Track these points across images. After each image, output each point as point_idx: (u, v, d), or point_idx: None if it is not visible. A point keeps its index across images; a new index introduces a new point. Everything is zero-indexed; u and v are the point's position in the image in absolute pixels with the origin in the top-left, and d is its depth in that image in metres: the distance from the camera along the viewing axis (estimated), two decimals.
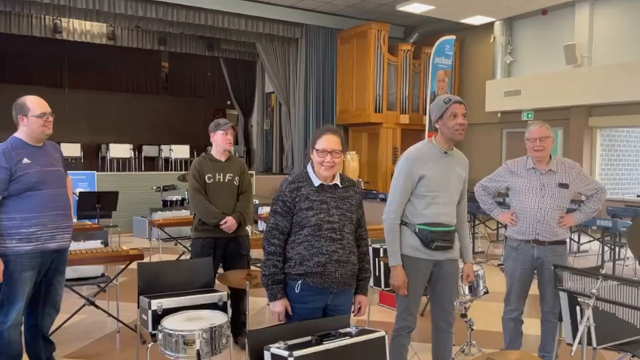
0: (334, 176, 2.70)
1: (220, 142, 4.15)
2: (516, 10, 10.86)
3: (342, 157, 2.66)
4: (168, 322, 2.92)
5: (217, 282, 3.72)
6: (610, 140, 11.09)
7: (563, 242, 3.57)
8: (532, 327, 4.09)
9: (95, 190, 9.31)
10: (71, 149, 12.82)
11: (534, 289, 3.66)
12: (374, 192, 10.54)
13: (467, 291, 3.95)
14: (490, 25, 11.83)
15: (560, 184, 3.52)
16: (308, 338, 2.26)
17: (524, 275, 3.59)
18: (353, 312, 2.79)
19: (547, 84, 10.58)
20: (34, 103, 3.29)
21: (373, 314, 4.76)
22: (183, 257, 6.19)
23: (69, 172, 3.66)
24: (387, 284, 4.45)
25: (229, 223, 4.04)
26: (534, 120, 3.64)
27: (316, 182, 2.65)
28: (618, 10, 10.05)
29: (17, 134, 3.32)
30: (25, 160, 3.22)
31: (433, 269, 3.04)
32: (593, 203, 3.63)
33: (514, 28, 11.85)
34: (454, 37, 11.22)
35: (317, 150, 2.63)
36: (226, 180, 4.14)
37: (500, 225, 9.07)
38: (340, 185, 2.71)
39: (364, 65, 12.38)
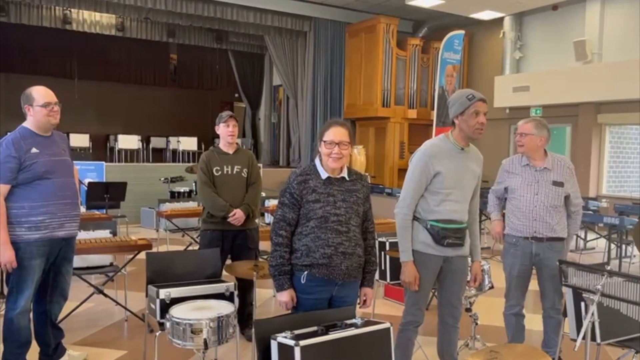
0: (341, 169, 2.72)
1: (223, 134, 4.19)
2: (526, 5, 10.80)
3: (349, 149, 2.68)
4: (176, 311, 2.96)
5: (224, 273, 3.75)
6: (619, 137, 11.03)
7: (561, 239, 3.55)
8: (535, 322, 4.10)
9: (104, 180, 9.37)
10: (80, 140, 12.90)
11: (536, 285, 3.67)
12: (381, 186, 10.55)
13: (475, 287, 3.96)
14: (499, 21, 11.77)
15: (555, 182, 3.49)
16: (314, 328, 2.28)
17: (523, 271, 3.59)
18: (359, 304, 2.82)
19: (556, 80, 10.54)
20: (39, 93, 3.32)
21: (378, 307, 4.79)
22: (190, 248, 6.23)
23: (76, 162, 3.69)
24: (392, 278, 4.46)
25: (237, 215, 4.06)
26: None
27: (323, 175, 2.68)
28: (629, 7, 9.98)
29: (25, 124, 3.35)
30: (34, 150, 3.25)
31: (442, 265, 3.03)
32: (575, 224, 3.63)
33: (523, 23, 11.79)
34: (463, 32, 11.18)
35: (325, 142, 2.65)
36: (234, 172, 4.17)
37: None
38: (347, 178, 2.72)
39: (372, 59, 12.36)
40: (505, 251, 3.69)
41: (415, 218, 3.01)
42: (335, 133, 2.64)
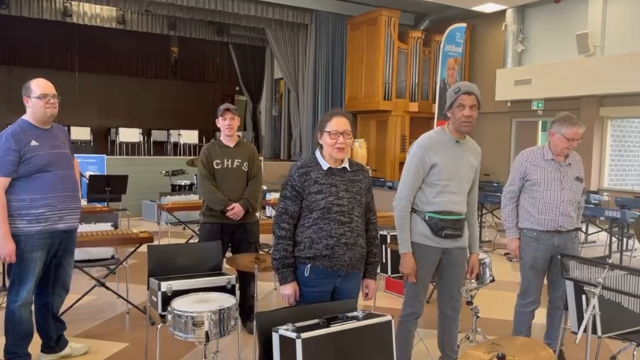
0: (342, 160, 2.71)
1: (222, 127, 4.20)
2: None
3: (352, 139, 2.68)
4: (178, 304, 2.96)
5: (226, 265, 3.76)
6: (621, 130, 11.01)
7: (578, 229, 3.63)
8: (537, 315, 4.11)
9: (105, 173, 9.38)
10: (81, 132, 12.90)
11: None
12: (382, 179, 10.53)
13: (473, 279, 3.96)
14: (501, 13, 11.72)
15: (577, 178, 3.52)
16: (316, 320, 2.29)
17: (543, 265, 3.54)
18: (361, 296, 2.82)
19: (558, 73, 10.50)
20: (37, 85, 3.32)
21: (379, 300, 4.80)
22: (192, 241, 6.23)
23: (77, 155, 3.69)
24: (394, 271, 4.47)
25: (235, 210, 4.05)
26: (569, 116, 3.43)
27: (325, 166, 2.67)
28: None
29: (24, 117, 3.35)
30: (34, 143, 3.25)
31: (441, 257, 3.05)
32: (578, 217, 3.67)
33: (525, 16, 11.74)
34: (464, 24, 11.13)
35: (328, 132, 2.64)
36: (234, 166, 4.16)
37: None
38: (349, 169, 2.72)
39: (374, 52, 12.33)
40: (525, 245, 3.56)
41: (413, 210, 3.03)
42: (338, 123, 2.64)
